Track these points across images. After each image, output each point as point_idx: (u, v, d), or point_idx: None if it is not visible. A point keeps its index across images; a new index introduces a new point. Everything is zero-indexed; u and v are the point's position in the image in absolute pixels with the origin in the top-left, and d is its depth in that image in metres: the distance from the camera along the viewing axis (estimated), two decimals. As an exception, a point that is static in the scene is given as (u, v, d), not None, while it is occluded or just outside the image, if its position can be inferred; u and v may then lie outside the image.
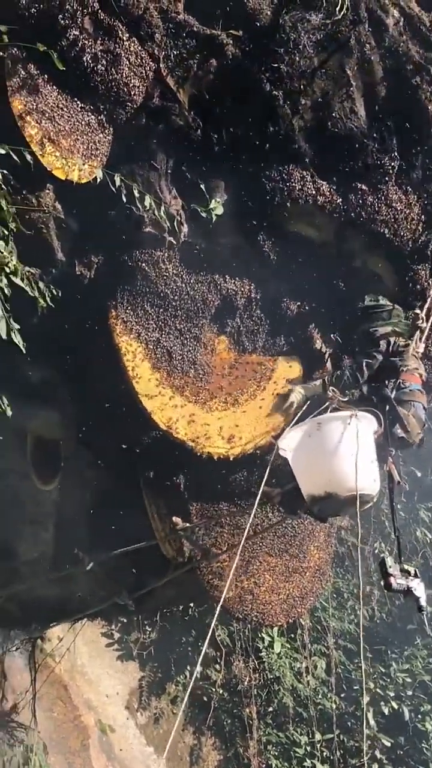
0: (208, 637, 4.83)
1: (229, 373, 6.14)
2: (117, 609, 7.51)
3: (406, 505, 12.23)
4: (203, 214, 5.71)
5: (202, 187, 5.69)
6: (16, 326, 4.51)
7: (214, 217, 5.76)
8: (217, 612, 5.06)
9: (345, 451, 4.90)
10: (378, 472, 5.14)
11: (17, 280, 4.61)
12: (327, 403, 5.39)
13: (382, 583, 4.63)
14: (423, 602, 4.51)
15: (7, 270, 4.51)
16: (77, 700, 12.16)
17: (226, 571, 6.00)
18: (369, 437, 5.14)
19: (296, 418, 5.61)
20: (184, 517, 6.12)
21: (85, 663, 12.38)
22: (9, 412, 4.96)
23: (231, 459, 5.87)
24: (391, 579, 4.50)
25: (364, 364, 5.45)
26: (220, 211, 5.76)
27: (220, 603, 5.18)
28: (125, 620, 11.99)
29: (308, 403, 5.79)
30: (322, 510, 5.24)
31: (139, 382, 5.77)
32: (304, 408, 5.75)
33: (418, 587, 4.52)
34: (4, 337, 4.43)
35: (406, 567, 4.58)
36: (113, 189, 5.12)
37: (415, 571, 4.56)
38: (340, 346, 6.31)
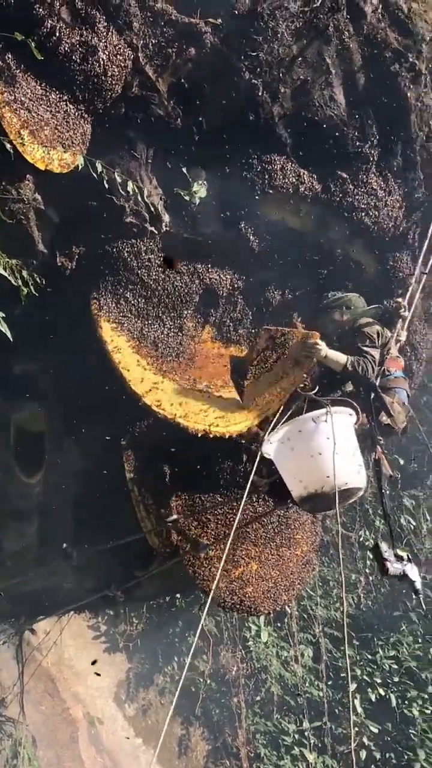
0: (199, 629, 4.79)
1: (216, 361, 6.11)
2: (104, 601, 7.50)
3: (389, 492, 12.28)
4: (186, 197, 5.68)
5: (184, 170, 5.65)
6: (1, 314, 4.48)
7: (198, 200, 5.73)
8: (208, 604, 5.04)
9: (324, 449, 4.97)
10: (362, 463, 5.17)
11: None
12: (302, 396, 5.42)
13: (377, 567, 4.66)
14: (419, 585, 4.57)
15: (-11, 259, 4.48)
16: (65, 694, 12.16)
17: (214, 561, 5.99)
18: (348, 430, 5.18)
19: (274, 422, 5.55)
20: (171, 508, 6.10)
21: (72, 656, 12.36)
22: None
23: (227, 437, 5.60)
24: (387, 564, 4.54)
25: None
26: (203, 193, 5.73)
27: (210, 595, 5.17)
28: (112, 612, 12.00)
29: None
30: (314, 507, 5.30)
31: (126, 369, 5.67)
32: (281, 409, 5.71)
33: (412, 571, 4.57)
34: None
35: (398, 552, 4.62)
36: (95, 178, 5.09)
37: (408, 555, 4.61)
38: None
